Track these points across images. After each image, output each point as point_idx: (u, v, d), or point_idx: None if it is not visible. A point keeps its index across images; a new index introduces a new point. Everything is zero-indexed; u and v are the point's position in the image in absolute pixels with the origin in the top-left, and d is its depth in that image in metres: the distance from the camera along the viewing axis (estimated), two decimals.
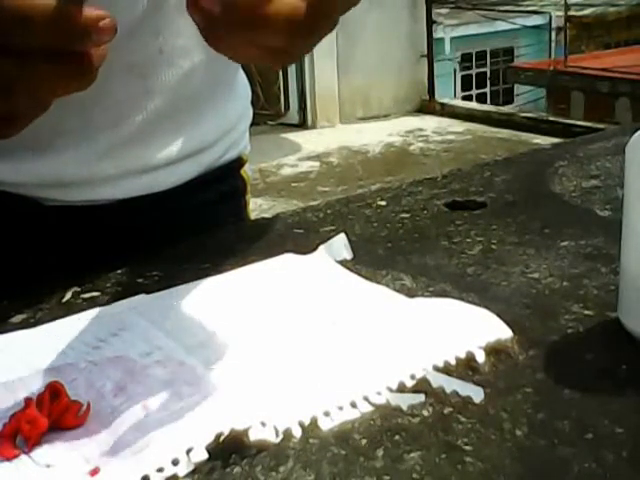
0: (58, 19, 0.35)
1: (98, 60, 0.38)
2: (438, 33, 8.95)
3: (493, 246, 0.63)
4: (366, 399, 0.43)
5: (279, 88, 7.19)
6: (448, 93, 9.18)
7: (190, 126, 0.68)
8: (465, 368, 0.46)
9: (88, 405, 0.42)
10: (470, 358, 0.46)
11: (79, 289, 0.59)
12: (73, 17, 0.35)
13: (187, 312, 0.53)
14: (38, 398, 0.42)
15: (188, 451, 0.39)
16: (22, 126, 0.40)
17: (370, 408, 0.42)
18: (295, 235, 0.67)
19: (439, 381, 0.44)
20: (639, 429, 0.40)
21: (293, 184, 5.60)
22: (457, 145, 6.36)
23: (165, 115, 0.66)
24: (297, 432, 0.41)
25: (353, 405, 0.42)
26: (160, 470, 0.38)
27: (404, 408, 0.42)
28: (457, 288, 0.55)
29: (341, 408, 0.42)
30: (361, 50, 7.20)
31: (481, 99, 10.24)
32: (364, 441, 0.40)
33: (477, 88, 10.92)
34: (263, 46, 0.38)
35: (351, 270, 0.58)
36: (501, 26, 10.41)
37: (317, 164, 6.04)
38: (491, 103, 9.75)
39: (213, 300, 0.55)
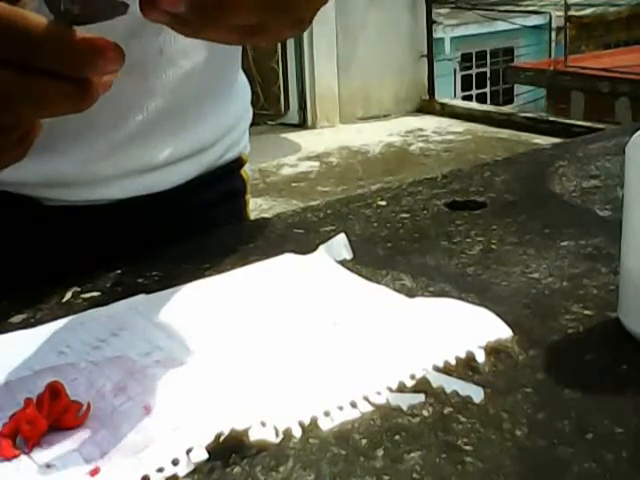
0: (64, 46, 0.36)
1: (103, 88, 0.38)
2: (438, 33, 8.95)
3: (493, 246, 0.63)
4: (366, 399, 0.43)
5: (279, 88, 7.19)
6: (448, 93, 9.17)
7: (190, 126, 0.68)
8: (465, 368, 0.46)
9: (88, 405, 0.42)
10: (470, 358, 0.46)
11: (79, 289, 0.59)
12: (79, 45, 0.36)
13: (187, 312, 0.53)
14: (38, 398, 0.42)
15: (188, 451, 0.39)
16: (8, 159, 0.40)
17: (370, 408, 0.42)
18: (295, 235, 0.67)
19: (439, 381, 0.44)
20: (639, 429, 0.40)
21: (293, 184, 5.60)
22: (457, 145, 6.36)
23: (165, 115, 0.66)
24: (297, 432, 0.41)
25: (353, 405, 0.42)
26: (160, 470, 0.38)
27: (404, 408, 0.42)
28: (457, 288, 0.55)
29: (341, 408, 0.42)
30: (361, 50, 7.20)
31: (481, 99, 10.24)
32: (364, 441, 0.40)
33: (477, 88, 10.91)
34: (237, 26, 0.38)
35: (351, 270, 0.58)
36: (501, 26, 10.40)
37: (317, 164, 6.04)
38: (491, 103, 9.75)
39: (213, 300, 0.55)
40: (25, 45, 0.36)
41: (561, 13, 9.37)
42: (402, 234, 0.66)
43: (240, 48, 0.73)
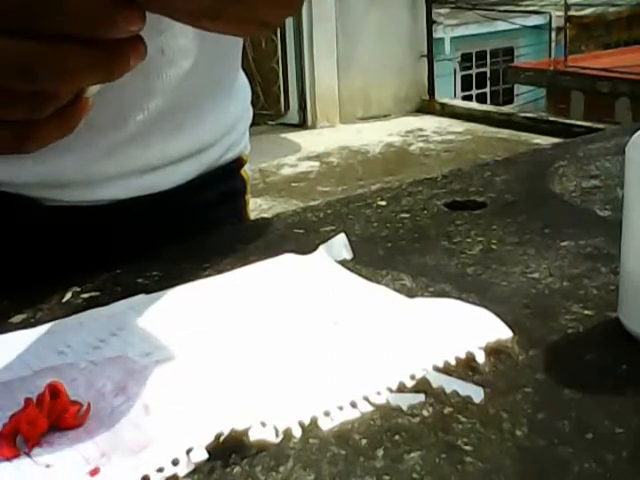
0: (82, 4, 0.34)
1: (135, 56, 0.37)
2: (438, 33, 8.95)
3: (493, 246, 0.63)
4: (366, 399, 0.43)
5: (279, 88, 7.19)
6: (448, 93, 9.18)
7: (191, 126, 0.68)
8: (465, 368, 0.46)
9: (88, 405, 0.42)
10: (470, 358, 0.46)
11: (79, 289, 0.59)
12: (98, 4, 0.35)
13: (187, 312, 0.53)
14: (38, 398, 0.42)
15: (188, 451, 0.39)
16: (43, 139, 0.39)
17: (370, 408, 0.42)
18: (295, 235, 0.67)
19: (439, 381, 0.44)
20: (639, 429, 0.40)
21: (293, 184, 5.60)
22: (457, 145, 6.36)
23: (166, 115, 0.66)
24: (297, 432, 0.41)
25: (353, 405, 0.42)
26: (160, 470, 0.38)
27: (404, 408, 0.42)
28: (457, 288, 0.55)
29: (341, 408, 0.42)
30: (361, 50, 7.20)
31: (481, 99, 10.24)
32: (364, 441, 0.40)
33: (477, 88, 10.91)
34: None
35: (351, 270, 0.58)
36: (501, 26, 10.40)
37: (317, 164, 6.04)
38: (491, 103, 9.75)
39: (213, 300, 0.55)
40: (42, 10, 0.35)
41: (561, 13, 9.37)
42: (402, 234, 0.66)
43: (240, 48, 0.73)
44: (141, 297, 0.56)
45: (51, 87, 0.37)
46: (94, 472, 0.38)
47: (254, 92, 0.80)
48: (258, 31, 0.40)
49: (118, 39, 0.36)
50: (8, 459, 0.39)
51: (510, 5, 10.48)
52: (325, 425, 0.41)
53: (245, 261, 0.61)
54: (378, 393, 0.43)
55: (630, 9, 10.57)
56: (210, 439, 0.40)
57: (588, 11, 10.41)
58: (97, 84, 0.39)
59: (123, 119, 0.64)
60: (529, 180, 0.78)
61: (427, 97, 7.58)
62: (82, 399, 0.43)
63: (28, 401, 0.41)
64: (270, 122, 6.98)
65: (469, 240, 0.64)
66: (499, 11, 10.26)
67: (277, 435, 0.40)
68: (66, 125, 0.40)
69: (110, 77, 0.37)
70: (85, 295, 0.58)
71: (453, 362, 0.46)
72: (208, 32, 0.39)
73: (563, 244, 0.62)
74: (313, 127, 7.09)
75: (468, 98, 9.92)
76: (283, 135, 6.84)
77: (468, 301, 0.53)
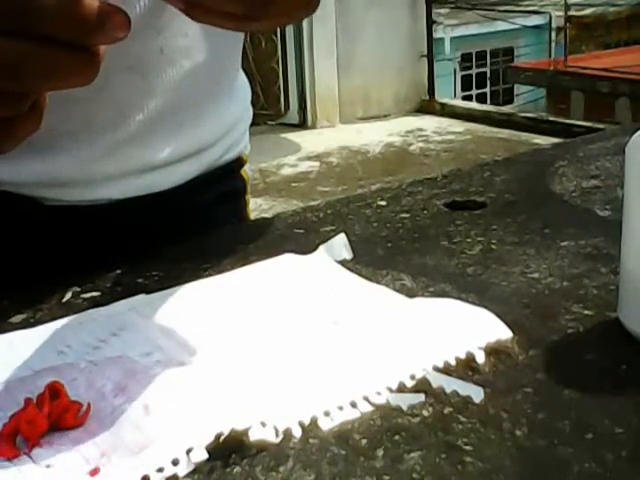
0: (71, 10, 0.35)
1: (102, 56, 0.38)
2: (438, 33, 8.96)
3: (493, 246, 0.63)
4: (366, 399, 0.43)
5: (279, 88, 7.19)
6: (448, 93, 9.18)
7: (190, 126, 0.68)
8: (465, 368, 0.46)
9: (88, 405, 0.42)
10: (470, 358, 0.46)
11: (79, 289, 0.59)
12: (87, 10, 0.36)
13: (187, 312, 0.53)
14: (38, 398, 0.42)
15: (188, 451, 0.39)
16: (19, 137, 0.40)
17: (370, 408, 0.42)
18: (295, 235, 0.67)
19: (439, 381, 0.44)
20: (639, 429, 0.40)
21: (293, 184, 5.60)
22: (457, 145, 6.36)
23: (165, 115, 0.66)
24: (297, 432, 0.41)
25: (353, 405, 0.42)
26: (160, 470, 0.38)
27: (404, 408, 0.42)
28: (457, 288, 0.55)
29: (341, 408, 0.42)
30: (361, 50, 7.20)
31: (481, 99, 10.24)
32: (364, 441, 0.40)
33: (477, 88, 10.92)
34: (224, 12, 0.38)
35: (351, 270, 0.58)
36: (501, 26, 10.41)
37: (317, 164, 6.04)
38: (491, 103, 9.76)
39: (213, 300, 0.55)
40: (32, 14, 0.36)
41: (561, 13, 9.37)
42: (402, 234, 0.66)
43: (240, 48, 0.73)
44: (141, 297, 0.56)
45: (35, 87, 0.38)
46: (94, 472, 0.38)
47: (254, 92, 0.80)
48: (305, 11, 0.42)
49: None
50: (8, 459, 0.39)
51: (510, 5, 10.49)
52: (325, 425, 0.41)
53: (245, 261, 0.61)
54: (378, 393, 0.43)
55: (630, 9, 10.58)
56: (210, 439, 0.40)
57: (588, 11, 10.42)
58: (76, 87, 0.39)
59: (123, 119, 0.64)
60: (529, 180, 0.78)
61: (427, 97, 7.57)
62: (82, 399, 0.43)
63: (28, 401, 0.41)
64: (270, 122, 6.98)
65: (469, 240, 0.64)
66: (499, 11, 10.27)
67: (277, 435, 0.40)
68: (35, 121, 0.40)
69: (87, 81, 0.38)
70: (85, 295, 0.58)
71: (453, 362, 0.46)
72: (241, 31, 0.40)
73: (563, 244, 0.62)
74: (313, 127, 7.09)
75: (468, 98, 9.92)
76: (283, 135, 6.84)
77: (468, 301, 0.53)
